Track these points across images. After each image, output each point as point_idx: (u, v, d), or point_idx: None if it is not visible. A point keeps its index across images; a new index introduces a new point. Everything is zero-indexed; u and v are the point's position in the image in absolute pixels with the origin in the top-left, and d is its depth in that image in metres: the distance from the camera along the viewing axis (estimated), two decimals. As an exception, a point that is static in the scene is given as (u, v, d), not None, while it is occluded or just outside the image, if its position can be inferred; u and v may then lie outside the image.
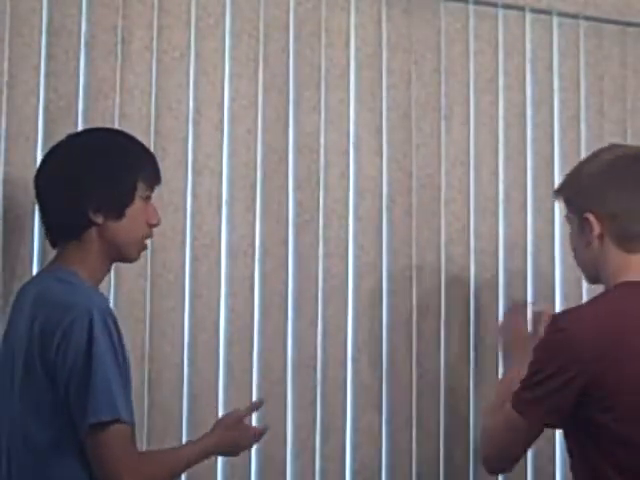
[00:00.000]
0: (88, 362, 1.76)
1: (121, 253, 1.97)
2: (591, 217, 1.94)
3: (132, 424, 1.81)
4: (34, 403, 1.81)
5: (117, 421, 1.76)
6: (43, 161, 2.01)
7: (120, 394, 1.78)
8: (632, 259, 1.95)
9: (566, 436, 1.99)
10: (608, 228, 1.94)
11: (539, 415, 1.90)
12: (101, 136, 2.03)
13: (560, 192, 2.07)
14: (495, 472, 2.19)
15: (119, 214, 1.92)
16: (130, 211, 1.94)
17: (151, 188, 1.99)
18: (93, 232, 1.92)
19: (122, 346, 1.83)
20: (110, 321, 1.81)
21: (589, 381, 1.84)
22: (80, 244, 1.92)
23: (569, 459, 1.99)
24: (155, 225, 2.01)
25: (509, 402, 1.93)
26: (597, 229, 1.94)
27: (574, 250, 2.06)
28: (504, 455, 2.00)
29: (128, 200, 1.94)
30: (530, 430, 1.93)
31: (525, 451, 2.03)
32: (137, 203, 1.95)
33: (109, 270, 2.02)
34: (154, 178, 2.00)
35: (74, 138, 2.02)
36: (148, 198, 1.98)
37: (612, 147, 2.07)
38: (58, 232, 1.96)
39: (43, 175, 1.97)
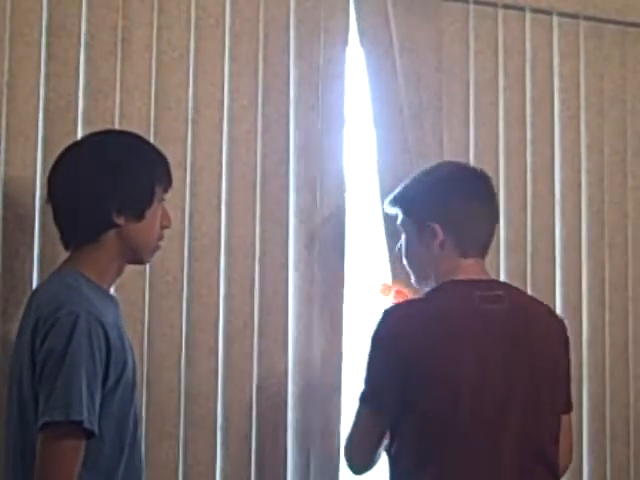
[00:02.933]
0: (59, 362, 1.75)
1: (137, 255, 1.98)
2: (436, 226, 2.12)
3: (93, 433, 1.77)
4: (28, 399, 1.82)
5: (71, 427, 1.73)
6: (59, 161, 1.98)
7: (81, 399, 1.74)
8: (466, 263, 2.14)
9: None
10: (449, 236, 2.12)
11: (378, 406, 2.06)
12: (121, 138, 2.03)
13: (397, 203, 2.23)
14: (360, 471, 2.27)
15: (140, 216, 1.93)
16: (149, 213, 1.95)
17: (165, 191, 2.02)
18: (112, 234, 1.92)
19: (109, 355, 1.82)
20: (98, 329, 1.80)
21: (404, 373, 2.00)
22: (96, 246, 1.92)
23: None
24: (167, 226, 2.03)
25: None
26: (440, 236, 2.11)
27: (408, 254, 2.22)
28: (363, 453, 2.14)
29: (149, 202, 1.95)
30: (377, 421, 2.08)
31: (380, 442, 2.12)
32: (155, 205, 1.96)
33: (122, 272, 2.02)
34: (168, 181, 2.03)
35: (92, 139, 2.01)
36: (162, 200, 2.00)
37: (445, 163, 2.34)
38: (76, 234, 1.95)
39: (61, 175, 1.95)
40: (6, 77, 2.30)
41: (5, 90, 2.30)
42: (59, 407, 1.73)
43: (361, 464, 2.18)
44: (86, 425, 1.75)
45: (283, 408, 2.51)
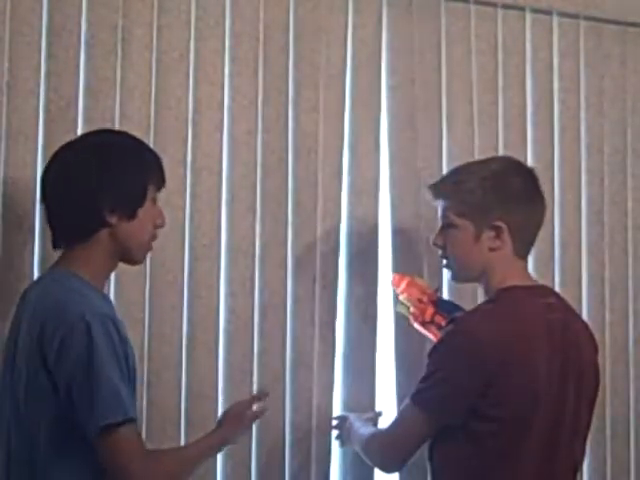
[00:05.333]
0: (90, 368, 1.76)
1: (129, 254, 1.97)
2: (502, 225, 2.06)
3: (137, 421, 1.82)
4: (38, 407, 1.81)
5: (126, 422, 1.77)
6: (52, 161, 1.98)
7: (125, 395, 1.78)
8: (521, 265, 2.12)
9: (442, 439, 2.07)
10: (513, 236, 2.07)
11: (441, 413, 2.01)
12: (112, 138, 2.03)
13: (448, 197, 2.14)
14: (394, 471, 2.29)
15: (132, 215, 1.93)
16: (141, 212, 1.94)
17: (158, 190, 2.01)
18: (104, 233, 1.92)
19: (125, 348, 1.84)
20: (110, 325, 1.80)
21: (485, 383, 1.96)
22: (88, 245, 1.92)
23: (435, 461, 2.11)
24: (161, 226, 2.02)
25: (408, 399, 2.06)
26: (505, 237, 2.07)
27: (456, 251, 2.14)
28: (403, 453, 2.10)
29: (141, 201, 1.94)
30: (431, 426, 2.04)
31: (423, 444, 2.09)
32: (147, 204, 1.96)
33: (113, 270, 2.02)
34: (161, 180, 2.02)
35: (84, 140, 2.01)
36: (155, 199, 2.00)
37: (501, 159, 2.29)
38: (68, 233, 1.95)
39: (53, 175, 1.95)
40: (6, 77, 2.30)
41: (5, 90, 2.30)
42: (112, 409, 1.75)
43: (399, 465, 2.17)
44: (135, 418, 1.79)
45: (283, 408, 2.50)
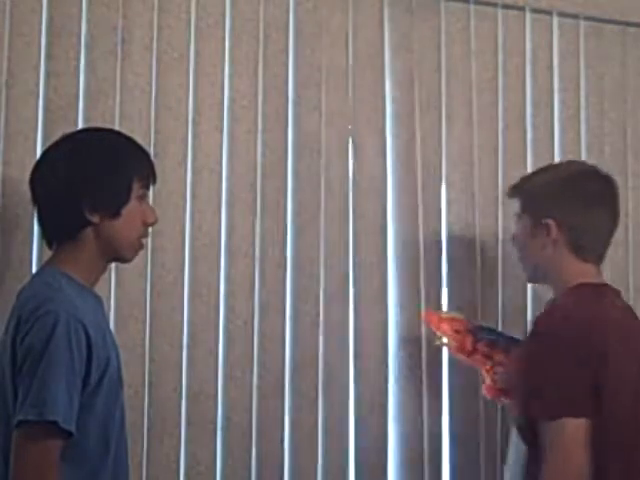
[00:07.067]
0: (38, 361, 1.74)
1: (117, 253, 1.97)
2: (551, 223, 2.08)
3: (70, 434, 1.75)
4: (9, 397, 1.81)
5: (46, 427, 1.72)
6: (38, 161, 1.99)
7: (62, 400, 1.74)
8: (586, 267, 2.10)
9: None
10: (565, 236, 2.09)
11: (576, 406, 1.90)
12: (96, 135, 2.03)
13: (517, 193, 2.21)
14: None
15: (115, 213, 1.92)
16: (126, 210, 1.93)
17: (146, 187, 2.00)
18: (89, 232, 1.91)
19: (90, 353, 1.81)
20: (78, 329, 1.79)
21: (593, 374, 1.92)
22: (76, 244, 1.92)
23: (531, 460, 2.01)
24: (151, 224, 2.01)
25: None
26: (554, 235, 2.08)
27: (521, 248, 2.21)
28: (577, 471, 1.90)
29: (124, 199, 1.93)
30: (579, 427, 1.90)
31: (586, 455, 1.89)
32: (133, 202, 1.95)
33: (105, 269, 2.01)
34: (149, 177, 2.00)
35: (69, 138, 2.00)
36: (143, 197, 1.98)
37: (573, 162, 2.32)
38: (54, 232, 1.96)
39: (38, 175, 1.96)
40: (6, 77, 2.30)
41: (5, 90, 2.30)
42: (34, 406, 1.73)
43: None
44: (62, 425, 1.73)
45: (283, 408, 2.50)
